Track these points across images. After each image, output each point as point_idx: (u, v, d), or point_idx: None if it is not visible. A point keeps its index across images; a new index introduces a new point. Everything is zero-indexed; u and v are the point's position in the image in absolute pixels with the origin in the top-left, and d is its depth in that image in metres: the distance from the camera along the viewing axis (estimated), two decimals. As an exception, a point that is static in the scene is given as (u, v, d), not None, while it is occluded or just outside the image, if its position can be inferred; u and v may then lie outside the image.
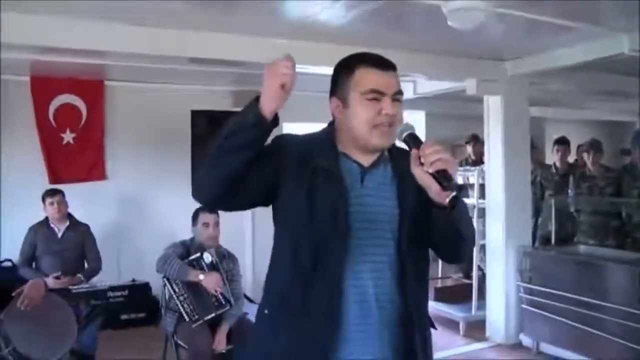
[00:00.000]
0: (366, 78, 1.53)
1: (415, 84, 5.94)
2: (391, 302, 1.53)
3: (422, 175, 1.43)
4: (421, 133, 8.94)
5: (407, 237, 1.52)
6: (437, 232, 1.50)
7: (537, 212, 5.59)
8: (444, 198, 1.42)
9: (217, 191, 1.48)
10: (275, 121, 1.46)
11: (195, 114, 5.90)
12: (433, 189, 1.43)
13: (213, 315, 3.58)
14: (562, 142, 5.58)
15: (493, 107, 5.02)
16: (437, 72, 4.89)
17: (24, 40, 3.47)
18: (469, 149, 6.53)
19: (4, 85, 5.23)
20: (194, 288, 3.57)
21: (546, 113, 8.50)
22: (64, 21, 3.43)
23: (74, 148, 5.65)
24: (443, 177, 1.39)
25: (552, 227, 4.92)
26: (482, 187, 5.25)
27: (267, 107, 1.42)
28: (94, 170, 5.74)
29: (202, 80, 5.84)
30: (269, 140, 1.53)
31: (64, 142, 5.62)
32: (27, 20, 3.31)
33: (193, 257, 3.62)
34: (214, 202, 1.58)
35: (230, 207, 1.64)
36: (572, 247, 4.87)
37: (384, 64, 1.55)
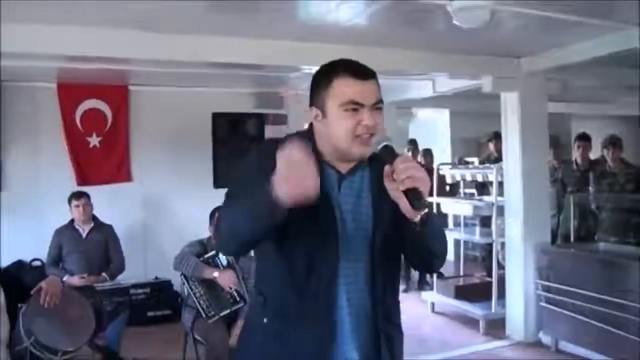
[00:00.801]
0: (344, 89, 1.47)
1: (434, 82, 5.96)
2: (361, 307, 1.55)
3: (394, 191, 1.43)
4: (445, 131, 8.94)
5: (380, 244, 1.53)
6: (408, 244, 1.52)
7: (560, 209, 5.54)
8: (415, 215, 1.42)
9: (245, 248, 1.59)
10: None
11: (216, 117, 6.05)
12: (403, 205, 1.42)
13: (228, 311, 3.68)
14: (583, 138, 5.49)
15: (510, 104, 5.00)
16: (453, 70, 4.90)
17: (49, 50, 3.67)
18: (491, 146, 6.50)
19: (32, 92, 5.50)
20: (210, 285, 3.67)
21: (573, 109, 8.39)
22: (87, 31, 3.58)
23: (100, 151, 5.88)
24: (413, 196, 1.37)
25: (571, 224, 4.87)
26: (500, 184, 5.23)
27: (287, 201, 1.33)
28: (119, 172, 5.96)
29: (223, 83, 5.99)
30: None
31: (91, 145, 5.85)
32: (52, 31, 3.49)
33: (209, 255, 3.73)
34: (239, 255, 1.67)
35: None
36: (592, 244, 4.81)
37: (363, 73, 1.50)
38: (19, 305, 2.91)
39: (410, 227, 1.44)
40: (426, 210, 1.41)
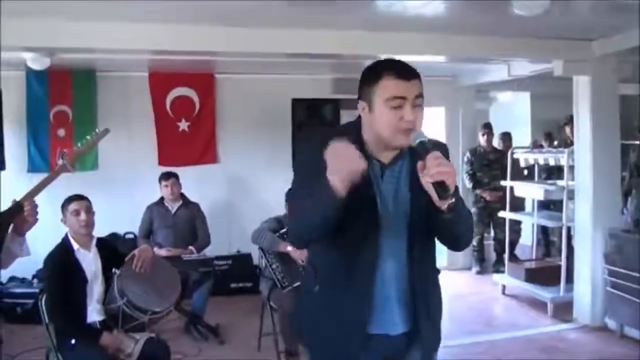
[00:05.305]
0: (390, 87, 1.65)
1: (510, 66, 5.96)
2: (403, 277, 1.79)
3: (426, 183, 1.61)
4: (526, 114, 8.80)
5: (417, 222, 1.75)
6: (436, 227, 1.74)
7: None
8: (442, 204, 1.61)
9: (314, 239, 1.78)
10: None
11: (296, 102, 6.35)
12: (433, 195, 1.60)
13: (300, 282, 4.00)
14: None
15: (582, 87, 4.96)
16: (525, 54, 4.91)
17: (144, 46, 4.09)
18: (567, 130, 6.42)
19: (126, 81, 6.12)
20: (284, 258, 4.02)
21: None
22: (179, 28, 3.95)
23: (189, 135, 6.37)
24: (440, 188, 1.57)
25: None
26: (572, 168, 5.22)
27: (342, 189, 1.56)
28: (206, 154, 6.43)
29: (302, 69, 6.27)
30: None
31: (180, 130, 6.35)
32: (142, 29, 3.90)
33: (284, 230, 4.05)
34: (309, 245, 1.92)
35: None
36: (663, 230, 4.73)
37: (407, 74, 1.67)
38: (113, 270, 3.25)
39: (439, 213, 1.65)
40: (452, 200, 1.62)
